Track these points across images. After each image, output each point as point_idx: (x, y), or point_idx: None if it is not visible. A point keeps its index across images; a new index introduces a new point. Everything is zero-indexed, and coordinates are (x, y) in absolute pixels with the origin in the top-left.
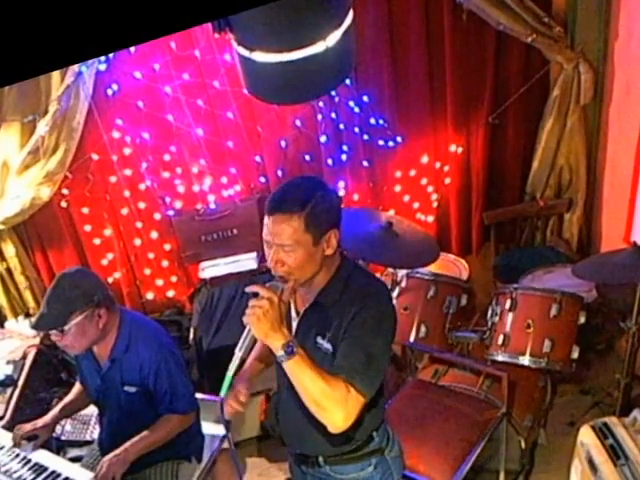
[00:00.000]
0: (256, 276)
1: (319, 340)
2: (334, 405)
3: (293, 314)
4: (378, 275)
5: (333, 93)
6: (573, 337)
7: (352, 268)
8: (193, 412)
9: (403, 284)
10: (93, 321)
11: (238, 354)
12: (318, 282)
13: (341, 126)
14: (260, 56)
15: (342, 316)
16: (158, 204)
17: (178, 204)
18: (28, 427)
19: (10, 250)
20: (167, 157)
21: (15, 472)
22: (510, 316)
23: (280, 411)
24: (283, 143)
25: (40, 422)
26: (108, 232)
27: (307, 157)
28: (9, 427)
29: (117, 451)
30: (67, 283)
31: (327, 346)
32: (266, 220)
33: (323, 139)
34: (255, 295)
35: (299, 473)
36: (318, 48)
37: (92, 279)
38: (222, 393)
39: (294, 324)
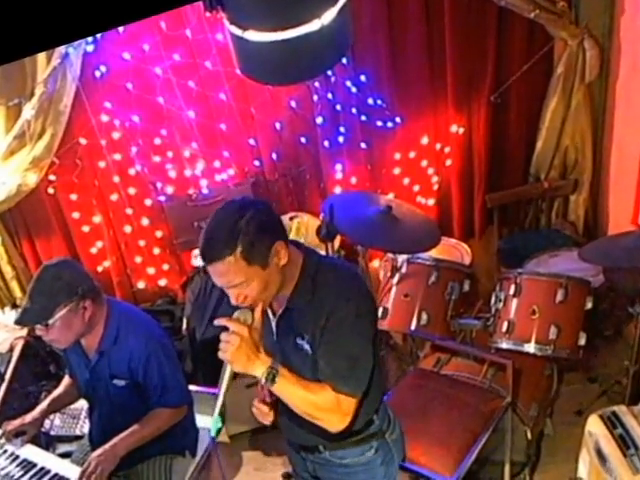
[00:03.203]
0: None
1: (298, 341)
2: (326, 413)
3: (270, 316)
4: (377, 261)
5: (329, 73)
6: (580, 323)
7: (317, 263)
8: (185, 405)
9: (403, 270)
10: (78, 314)
11: (221, 393)
12: (286, 288)
13: (338, 107)
14: (253, 35)
15: (317, 318)
16: (149, 189)
17: (169, 189)
18: (16, 423)
19: None
20: (158, 141)
21: (3, 469)
22: (514, 302)
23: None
24: (278, 125)
25: (28, 417)
26: (97, 219)
27: (303, 139)
28: None
29: (105, 447)
30: (50, 275)
31: (307, 347)
32: (207, 268)
33: (319, 120)
34: (226, 329)
35: (299, 459)
36: (313, 26)
37: (76, 270)
38: (212, 433)
39: (273, 324)
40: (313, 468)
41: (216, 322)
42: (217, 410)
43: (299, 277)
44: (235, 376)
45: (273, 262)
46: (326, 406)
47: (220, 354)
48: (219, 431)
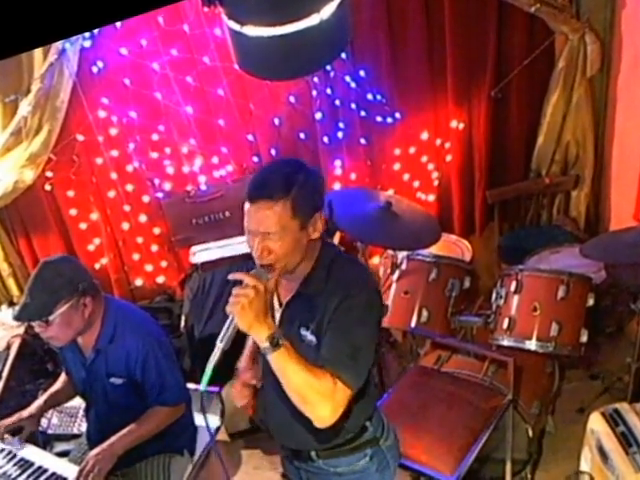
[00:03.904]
0: (249, 260)
1: (302, 332)
2: (320, 399)
3: (276, 305)
4: (377, 258)
5: (328, 68)
6: (581, 320)
7: (334, 254)
8: (183, 403)
9: (403, 267)
10: (79, 310)
11: (219, 345)
12: (301, 271)
13: (337, 102)
14: (252, 30)
15: (326, 307)
16: (146, 186)
17: (167, 186)
18: (13, 419)
19: None
20: (155, 137)
21: (0, 468)
22: (515, 299)
23: (267, 407)
24: (276, 121)
25: (25, 413)
26: (94, 216)
27: (302, 135)
28: None
29: (103, 445)
30: (50, 271)
31: (311, 338)
32: (247, 207)
33: (318, 116)
34: (239, 283)
35: (292, 468)
36: (312, 21)
37: (76, 266)
38: (202, 387)
39: (277, 315)
40: (307, 477)
41: (230, 276)
42: (213, 362)
43: (315, 263)
44: (237, 336)
45: (309, 229)
46: (322, 390)
47: (229, 307)
48: (209, 383)
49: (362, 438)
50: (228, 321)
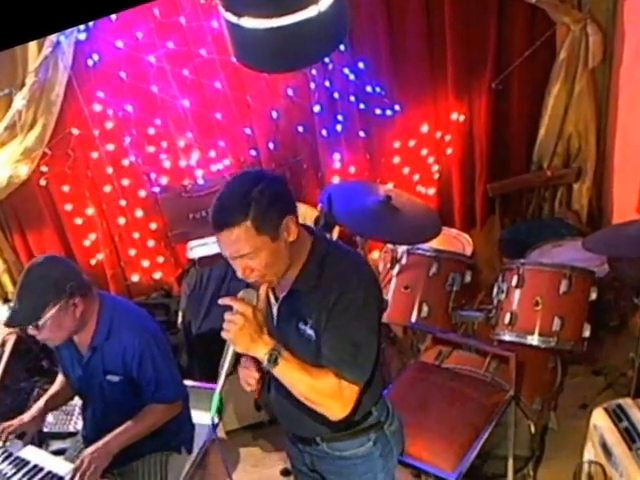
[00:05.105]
0: None
1: (301, 326)
2: (328, 400)
3: (272, 300)
4: (377, 252)
5: (327, 60)
6: (584, 314)
7: (326, 249)
8: (180, 400)
9: (403, 261)
10: (69, 311)
11: (222, 372)
12: (292, 270)
13: (335, 95)
14: (249, 22)
15: (322, 303)
16: (143, 180)
17: (164, 180)
18: (15, 424)
19: None
20: (152, 130)
21: None
22: (517, 293)
23: (272, 394)
24: (274, 114)
25: (27, 417)
26: (90, 211)
27: (300, 128)
28: None
29: (98, 444)
30: (36, 274)
31: (310, 332)
32: (216, 236)
33: (317, 109)
34: (230, 308)
35: (296, 451)
36: (310, 12)
37: (63, 267)
38: (211, 414)
39: (274, 309)
40: (311, 461)
41: (220, 301)
42: (218, 389)
43: (306, 260)
44: (237, 358)
45: (283, 236)
46: (328, 392)
47: (223, 333)
48: (217, 410)
49: (366, 422)
50: (226, 346)
